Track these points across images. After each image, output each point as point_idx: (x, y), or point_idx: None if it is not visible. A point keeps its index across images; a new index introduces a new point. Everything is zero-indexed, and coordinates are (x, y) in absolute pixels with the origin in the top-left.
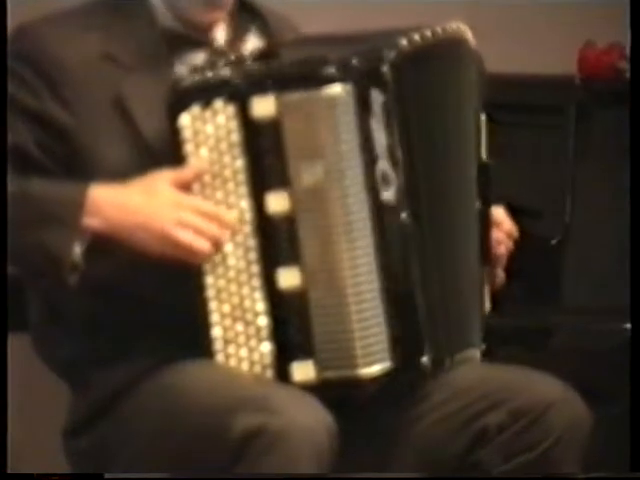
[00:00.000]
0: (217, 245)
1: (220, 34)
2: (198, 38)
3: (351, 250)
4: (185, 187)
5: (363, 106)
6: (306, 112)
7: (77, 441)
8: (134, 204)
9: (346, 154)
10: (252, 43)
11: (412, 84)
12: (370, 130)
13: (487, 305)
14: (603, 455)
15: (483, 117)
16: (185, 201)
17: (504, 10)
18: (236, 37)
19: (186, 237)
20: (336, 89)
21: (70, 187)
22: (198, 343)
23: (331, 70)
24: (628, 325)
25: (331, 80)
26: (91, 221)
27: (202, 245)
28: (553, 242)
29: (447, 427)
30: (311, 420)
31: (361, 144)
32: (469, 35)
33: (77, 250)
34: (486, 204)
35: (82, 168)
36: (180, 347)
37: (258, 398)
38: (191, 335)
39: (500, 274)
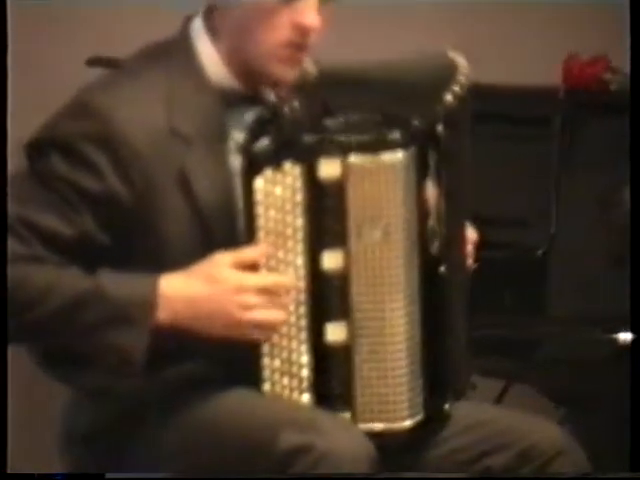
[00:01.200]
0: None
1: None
2: (252, 94)
3: (400, 308)
4: (247, 267)
5: (422, 168)
6: (370, 176)
7: (96, 446)
8: (199, 295)
9: (405, 215)
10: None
11: (455, 140)
12: (426, 189)
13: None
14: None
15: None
16: (246, 283)
17: (489, 21)
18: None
19: (251, 317)
20: (400, 155)
21: (141, 283)
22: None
23: (395, 136)
24: (617, 335)
25: (395, 145)
26: (164, 317)
27: (270, 318)
28: (539, 253)
29: (452, 462)
30: (355, 445)
31: (418, 203)
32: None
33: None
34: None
35: (145, 252)
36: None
37: (306, 419)
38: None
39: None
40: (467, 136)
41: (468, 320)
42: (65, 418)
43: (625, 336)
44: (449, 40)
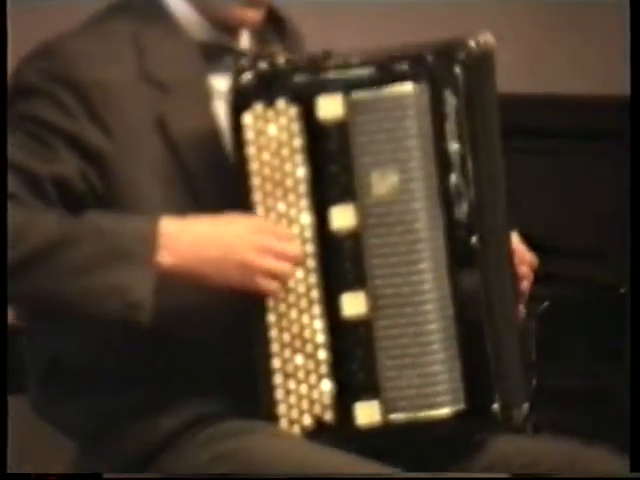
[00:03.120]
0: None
1: (244, 42)
2: (229, 45)
3: (424, 273)
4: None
5: (438, 108)
6: (377, 112)
7: None
8: (208, 235)
9: (421, 162)
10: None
11: (477, 90)
12: (445, 136)
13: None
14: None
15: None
16: (263, 225)
17: (549, 21)
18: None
19: (269, 264)
20: (409, 87)
21: (139, 220)
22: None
23: (404, 66)
24: None
25: (404, 77)
26: (166, 258)
27: (285, 269)
28: (622, 291)
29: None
30: None
31: (436, 151)
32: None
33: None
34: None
35: (121, 200)
36: (235, 393)
37: None
38: (248, 378)
39: (522, 311)
40: (493, 96)
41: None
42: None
43: None
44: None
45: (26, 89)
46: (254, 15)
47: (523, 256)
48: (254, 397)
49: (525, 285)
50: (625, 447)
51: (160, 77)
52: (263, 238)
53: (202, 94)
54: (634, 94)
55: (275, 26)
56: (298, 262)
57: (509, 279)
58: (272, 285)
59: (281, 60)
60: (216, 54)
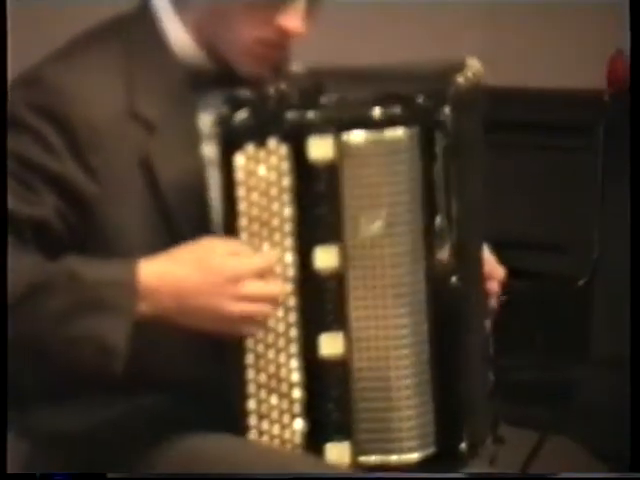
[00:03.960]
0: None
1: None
2: (224, 73)
3: (403, 316)
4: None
5: (427, 150)
6: (368, 156)
7: None
8: (190, 285)
9: (408, 205)
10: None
11: (465, 126)
12: (433, 179)
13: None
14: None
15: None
16: (243, 269)
17: (522, 17)
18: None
19: (246, 309)
20: (401, 132)
21: (118, 266)
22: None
23: (396, 110)
24: None
25: (396, 122)
26: (145, 308)
27: (264, 311)
28: (580, 283)
29: None
30: None
31: (424, 194)
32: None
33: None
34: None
35: (102, 242)
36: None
37: None
38: (223, 410)
39: (488, 326)
40: (480, 129)
41: (489, 358)
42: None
43: None
44: (476, 44)
45: (13, 121)
46: (263, 71)
47: (493, 271)
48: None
49: (493, 302)
50: (586, 439)
51: (148, 115)
52: (242, 286)
53: (189, 134)
54: (634, 94)
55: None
56: (278, 302)
57: (482, 308)
58: (251, 329)
59: (273, 93)
60: (207, 83)
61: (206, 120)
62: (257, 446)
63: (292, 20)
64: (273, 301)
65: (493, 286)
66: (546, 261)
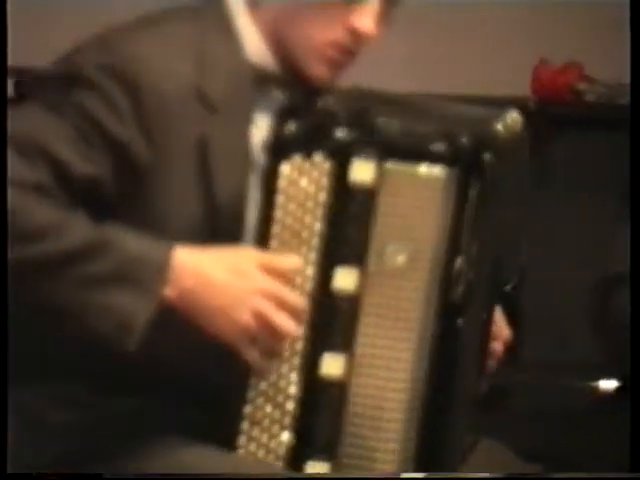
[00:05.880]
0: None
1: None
2: (287, 77)
3: (409, 350)
4: (272, 274)
5: (462, 192)
6: (407, 187)
7: None
8: (218, 283)
9: (435, 243)
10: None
11: (503, 174)
12: (462, 220)
13: None
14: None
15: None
16: (272, 289)
17: (448, 24)
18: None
19: (259, 328)
20: (442, 170)
21: (155, 246)
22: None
23: (441, 148)
24: (597, 382)
25: (439, 159)
26: (170, 292)
27: (276, 348)
28: (507, 288)
29: None
30: None
31: (451, 235)
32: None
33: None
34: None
35: (146, 213)
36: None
37: None
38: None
39: (484, 386)
40: (520, 179)
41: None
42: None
43: (607, 384)
44: (401, 51)
45: (81, 80)
46: (330, 76)
47: (499, 332)
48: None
49: (492, 364)
50: (516, 442)
51: (213, 97)
52: (264, 304)
53: (245, 128)
54: (634, 94)
55: None
56: (292, 338)
57: (480, 360)
58: (253, 352)
59: (324, 107)
60: (269, 84)
61: (260, 122)
62: (240, 461)
63: (364, 21)
64: (281, 340)
65: (497, 346)
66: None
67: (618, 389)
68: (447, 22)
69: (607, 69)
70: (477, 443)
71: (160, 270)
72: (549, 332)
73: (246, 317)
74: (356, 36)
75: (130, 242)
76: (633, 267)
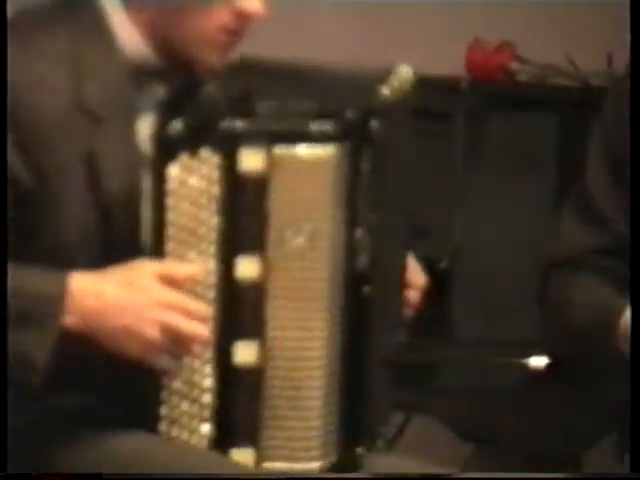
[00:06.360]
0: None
1: None
2: (168, 69)
3: (321, 329)
4: (170, 283)
5: (355, 165)
6: (298, 171)
7: None
8: (118, 302)
9: (333, 220)
10: None
11: (393, 137)
12: (357, 193)
13: None
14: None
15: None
16: (170, 299)
17: (382, 2)
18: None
19: (165, 340)
20: (333, 149)
21: (48, 279)
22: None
23: (328, 127)
24: (528, 360)
25: (326, 137)
26: (71, 319)
27: (185, 352)
28: (442, 265)
29: None
30: None
31: (348, 208)
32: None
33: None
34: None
35: (44, 243)
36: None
37: None
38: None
39: (402, 336)
40: (407, 141)
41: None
42: None
43: (537, 360)
44: (331, 26)
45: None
46: (220, 61)
47: (414, 279)
48: None
49: (409, 312)
50: (449, 419)
51: (95, 107)
52: (166, 314)
53: (131, 131)
54: (634, 94)
55: None
56: (198, 342)
57: (396, 317)
58: (170, 365)
59: (207, 99)
60: (147, 80)
61: (145, 120)
62: (170, 445)
63: (251, 1)
64: (193, 340)
65: (412, 295)
66: (412, 244)
67: (548, 366)
68: (386, 4)
69: (539, 50)
70: (410, 419)
71: (55, 302)
72: (482, 310)
73: (150, 331)
74: (244, 17)
75: (28, 280)
76: (633, 267)
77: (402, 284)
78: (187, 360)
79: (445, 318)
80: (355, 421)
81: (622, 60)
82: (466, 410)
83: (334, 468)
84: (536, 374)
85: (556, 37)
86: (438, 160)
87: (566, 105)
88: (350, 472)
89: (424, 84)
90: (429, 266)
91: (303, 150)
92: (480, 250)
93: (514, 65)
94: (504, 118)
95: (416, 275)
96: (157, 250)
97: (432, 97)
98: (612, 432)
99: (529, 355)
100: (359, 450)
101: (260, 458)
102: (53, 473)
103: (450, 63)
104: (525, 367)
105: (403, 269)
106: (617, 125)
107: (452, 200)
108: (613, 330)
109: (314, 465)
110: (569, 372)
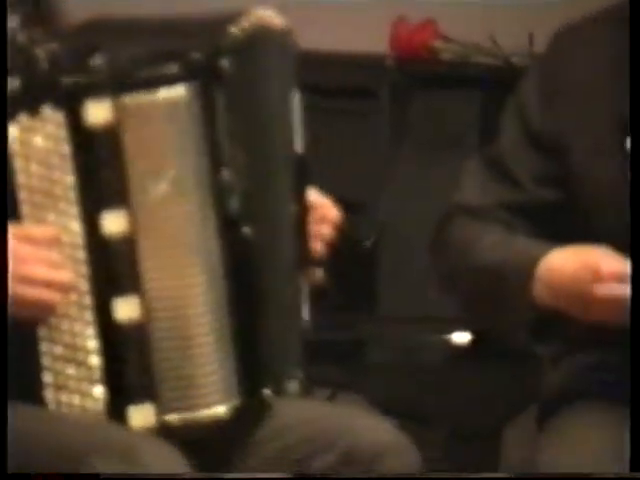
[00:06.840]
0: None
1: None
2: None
3: (198, 274)
4: (28, 242)
5: (208, 109)
6: (148, 117)
7: None
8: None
9: (194, 164)
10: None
11: (245, 78)
12: (217, 133)
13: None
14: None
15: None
16: (26, 255)
17: None
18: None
19: (34, 294)
20: (180, 90)
21: None
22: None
23: (173, 69)
24: (452, 336)
25: (173, 80)
26: None
27: (51, 297)
28: (367, 243)
29: (278, 462)
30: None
31: (209, 152)
32: (278, 20)
33: None
34: (302, 203)
35: None
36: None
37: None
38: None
39: (319, 274)
40: (266, 80)
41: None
42: None
43: (460, 337)
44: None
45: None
46: None
47: (324, 214)
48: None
49: (320, 246)
50: (375, 396)
51: None
52: (28, 269)
53: None
54: (634, 94)
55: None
56: (68, 289)
57: (291, 253)
58: (41, 314)
59: (44, 55)
60: None
61: None
62: (58, 415)
63: None
64: (61, 288)
65: (323, 230)
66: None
67: (471, 342)
68: None
69: (463, 29)
70: (336, 396)
71: None
72: (405, 286)
73: (16, 288)
74: None
75: None
76: (633, 266)
77: (303, 225)
78: (66, 324)
79: (370, 295)
80: (254, 364)
81: (543, 40)
82: (389, 386)
83: (240, 412)
84: (460, 350)
85: (479, 16)
86: (363, 138)
87: (488, 84)
88: (258, 415)
89: (348, 61)
90: (354, 244)
91: (150, 95)
92: (405, 227)
93: (438, 43)
94: (428, 96)
95: (327, 209)
96: (14, 214)
97: (356, 74)
98: (531, 405)
99: (453, 332)
100: (266, 392)
101: (161, 412)
102: (53, 474)
103: (375, 41)
104: (448, 343)
105: (302, 210)
106: (540, 101)
107: (377, 178)
108: (531, 278)
109: (220, 409)
110: (490, 348)
